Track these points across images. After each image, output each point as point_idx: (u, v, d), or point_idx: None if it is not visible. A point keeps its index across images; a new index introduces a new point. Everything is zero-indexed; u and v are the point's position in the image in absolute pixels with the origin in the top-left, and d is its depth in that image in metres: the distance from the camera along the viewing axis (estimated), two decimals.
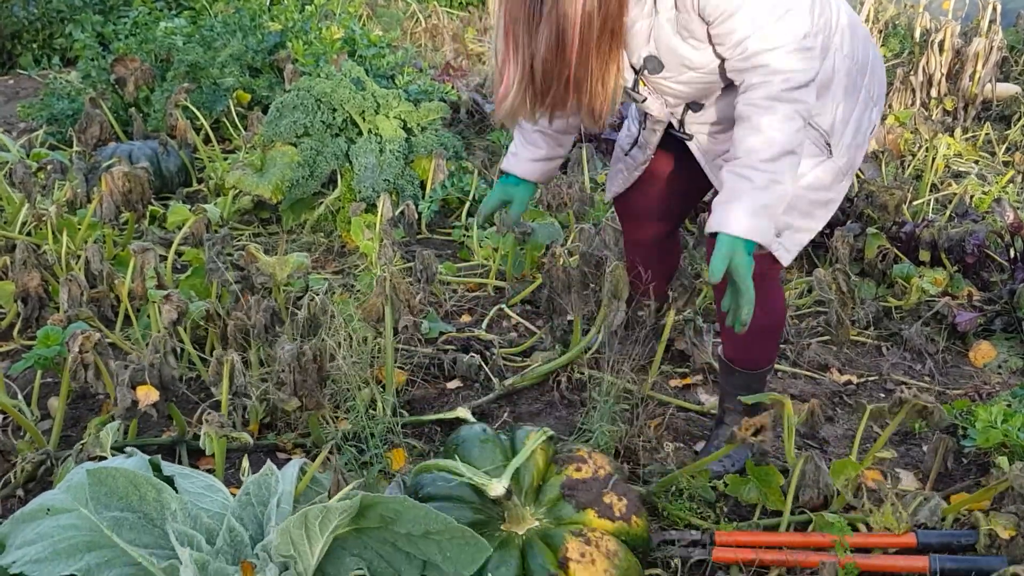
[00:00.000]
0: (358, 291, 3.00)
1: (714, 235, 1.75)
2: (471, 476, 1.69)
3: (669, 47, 1.82)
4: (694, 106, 1.97)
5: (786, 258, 1.98)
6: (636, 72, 1.90)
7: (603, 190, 3.87)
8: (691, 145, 2.05)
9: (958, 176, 4.26)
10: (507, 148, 4.20)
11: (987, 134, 4.69)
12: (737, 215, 1.72)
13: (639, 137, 2.21)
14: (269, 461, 1.78)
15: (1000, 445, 2.19)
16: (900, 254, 3.21)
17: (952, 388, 2.69)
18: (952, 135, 4.58)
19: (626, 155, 2.30)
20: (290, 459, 2.09)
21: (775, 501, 2.06)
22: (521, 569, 1.67)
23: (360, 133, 3.61)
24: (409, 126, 3.71)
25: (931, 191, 3.88)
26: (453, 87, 4.72)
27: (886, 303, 3.07)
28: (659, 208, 2.35)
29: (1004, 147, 4.58)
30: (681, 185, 2.27)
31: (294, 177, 3.44)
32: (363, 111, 3.55)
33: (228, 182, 3.57)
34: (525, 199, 2.28)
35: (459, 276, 3.26)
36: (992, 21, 5.20)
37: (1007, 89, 5.28)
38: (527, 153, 2.23)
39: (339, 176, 3.56)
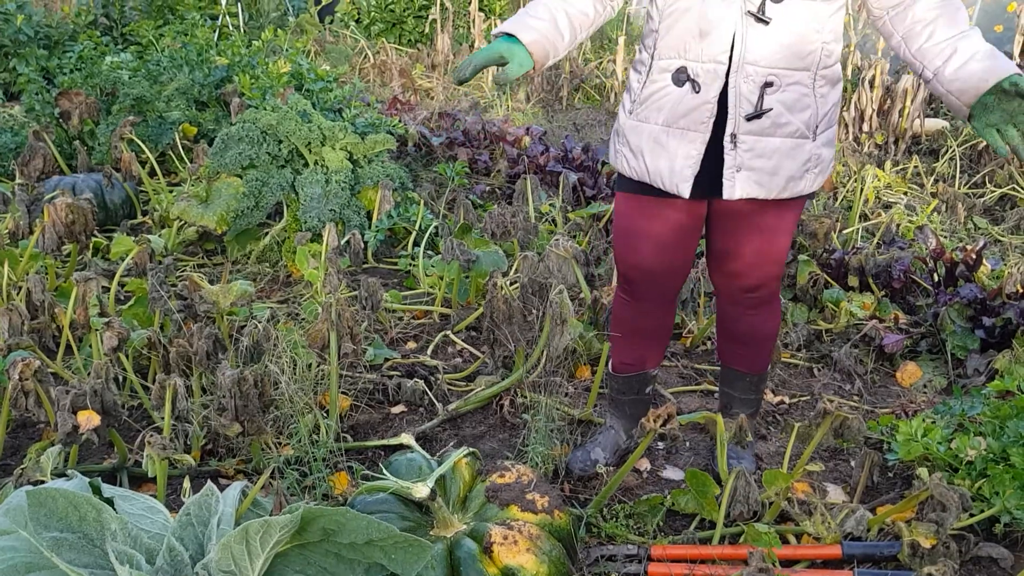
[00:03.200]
0: (303, 319, 3.03)
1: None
2: (397, 483, 1.75)
3: None
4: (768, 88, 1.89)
5: (728, 191, 1.96)
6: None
7: (548, 220, 3.96)
8: (743, 42, 1.87)
9: (888, 206, 4.43)
10: (452, 181, 4.28)
11: (915, 166, 4.88)
12: (1008, 63, 1.79)
13: (694, 72, 1.93)
14: (210, 482, 1.80)
15: (922, 457, 2.28)
16: (830, 280, 3.33)
17: (880, 407, 2.79)
18: (882, 167, 4.76)
19: (672, 122, 1.99)
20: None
21: (710, 511, 2.13)
22: (449, 565, 1.73)
23: (306, 164, 3.66)
24: (355, 158, 3.76)
25: (860, 220, 4.03)
26: (400, 121, 4.80)
27: (817, 326, 3.18)
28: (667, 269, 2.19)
29: (932, 179, 4.78)
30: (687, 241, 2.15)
31: (239, 208, 3.47)
32: (309, 143, 3.60)
33: (173, 213, 3.58)
34: (524, 64, 1.95)
35: (405, 304, 3.30)
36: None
37: (935, 124, 5.52)
38: (536, 23, 1.97)
39: (285, 207, 3.59)
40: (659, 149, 1.99)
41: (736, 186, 1.94)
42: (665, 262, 2.16)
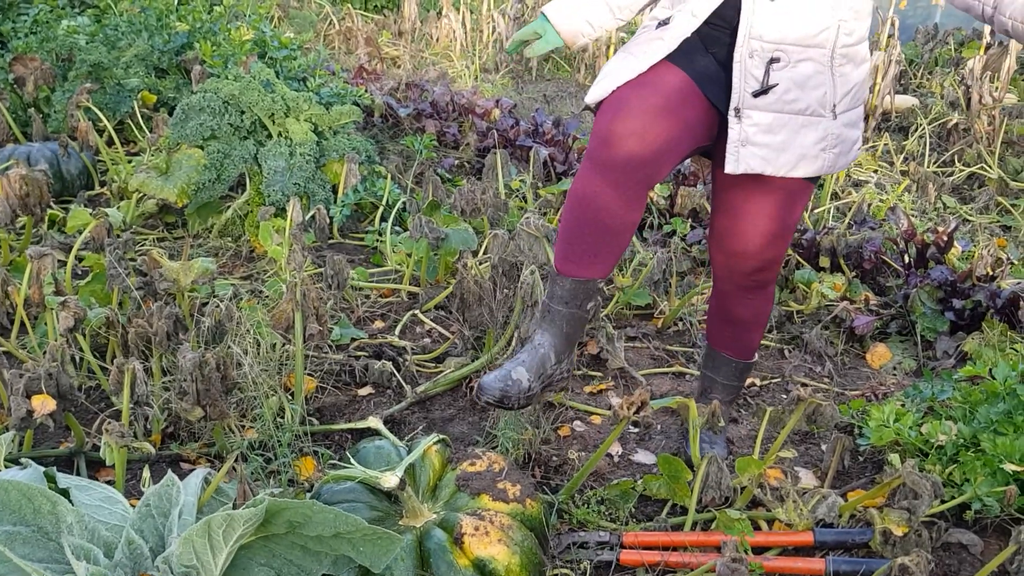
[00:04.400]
0: (267, 297, 2.95)
1: None
2: (365, 472, 1.70)
3: None
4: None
5: (730, 165, 1.92)
6: None
7: (518, 196, 3.90)
8: (752, 11, 1.85)
9: (858, 185, 4.43)
10: (420, 154, 4.20)
11: (885, 144, 4.88)
12: None
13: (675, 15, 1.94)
14: (170, 471, 1.74)
15: (893, 443, 2.28)
16: (802, 260, 3.31)
17: (850, 389, 2.79)
18: None
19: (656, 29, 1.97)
20: (194, 469, 2.04)
21: (682, 497, 2.11)
22: (419, 555, 1.69)
23: (269, 136, 3.56)
24: (320, 130, 3.66)
25: (832, 199, 4.01)
26: (367, 91, 4.69)
27: (788, 308, 3.17)
28: (660, 137, 1.90)
29: (901, 157, 4.78)
30: (691, 122, 1.95)
31: (200, 180, 3.37)
32: (272, 114, 3.50)
33: (132, 185, 3.47)
34: (553, 42, 2.02)
35: (372, 282, 3.24)
36: (891, 36, 5.41)
37: (905, 101, 5.52)
38: (581, 4, 2.01)
39: (248, 180, 3.49)
40: (632, 56, 1.95)
41: (740, 160, 1.91)
42: (660, 132, 1.87)
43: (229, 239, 3.50)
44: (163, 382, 2.37)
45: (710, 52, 1.93)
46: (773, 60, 1.86)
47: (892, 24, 5.38)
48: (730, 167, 1.92)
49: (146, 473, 1.88)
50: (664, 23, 1.93)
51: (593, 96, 1.98)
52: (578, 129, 4.72)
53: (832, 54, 1.89)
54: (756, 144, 1.91)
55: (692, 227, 3.62)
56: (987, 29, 5.08)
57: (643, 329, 3.08)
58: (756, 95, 1.87)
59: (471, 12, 7.54)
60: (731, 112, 1.90)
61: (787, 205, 2.04)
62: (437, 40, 7.37)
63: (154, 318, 2.36)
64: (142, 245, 3.43)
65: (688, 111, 1.91)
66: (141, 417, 2.25)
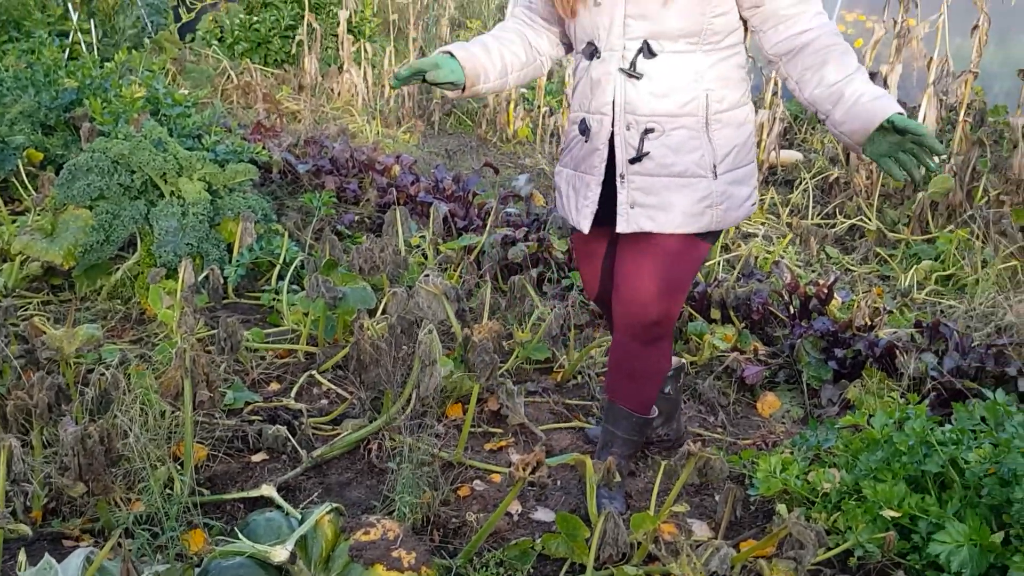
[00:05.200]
0: (157, 362, 2.87)
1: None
2: (254, 547, 1.66)
3: None
4: (647, 50, 2.03)
5: (622, 225, 2.12)
6: None
7: (419, 252, 3.91)
8: (624, 93, 2.06)
9: (747, 237, 4.60)
10: (319, 211, 4.18)
11: (772, 198, 5.09)
12: (885, 98, 1.90)
13: (590, 122, 2.16)
14: (47, 555, 1.67)
15: (782, 492, 2.34)
16: (694, 312, 3.41)
17: (742, 438, 2.86)
18: None
19: (584, 161, 2.21)
20: (77, 547, 1.96)
21: (581, 555, 2.12)
22: None
23: (162, 195, 3.49)
24: (215, 188, 3.61)
25: (722, 252, 4.15)
26: (265, 147, 4.66)
27: (682, 359, 3.24)
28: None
29: (787, 209, 4.99)
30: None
31: (88, 242, 3.27)
32: (164, 173, 3.44)
33: (15, 248, 3.34)
34: (455, 72, 2.16)
35: (267, 342, 3.18)
36: (775, 94, 5.68)
37: (790, 156, 5.78)
38: (471, 46, 2.21)
39: (139, 240, 3.41)
40: (570, 191, 2.25)
41: (630, 220, 2.11)
42: (607, 289, 2.36)
43: (118, 301, 3.40)
44: (44, 455, 2.28)
45: None
46: (648, 131, 2.06)
47: (775, 83, 5.65)
48: (621, 227, 2.12)
49: (22, 556, 1.79)
50: (587, 129, 2.17)
51: (563, 222, 2.41)
52: (478, 185, 4.77)
53: (706, 121, 2.06)
54: (642, 205, 2.09)
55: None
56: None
57: (543, 383, 3.11)
58: (632, 162, 2.08)
59: (372, 67, 7.59)
60: (618, 178, 2.10)
61: (678, 261, 2.16)
62: (338, 95, 7.38)
63: (35, 389, 2.27)
64: (25, 309, 3.30)
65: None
66: (20, 494, 2.15)
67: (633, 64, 2.04)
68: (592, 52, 2.12)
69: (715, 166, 2.08)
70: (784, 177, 5.62)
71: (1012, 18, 5.76)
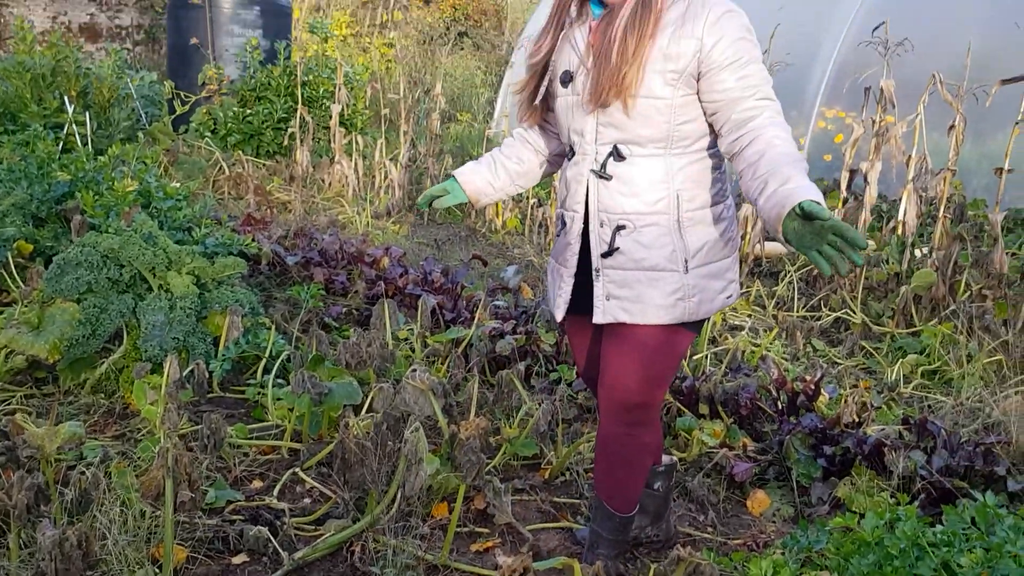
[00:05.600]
0: (138, 459, 2.83)
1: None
2: None
3: (647, 61, 2.06)
4: (617, 154, 2.14)
5: (598, 316, 2.22)
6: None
7: (407, 345, 3.91)
8: (597, 193, 2.18)
9: (734, 330, 4.62)
10: (307, 303, 4.19)
11: (758, 290, 5.13)
12: (805, 186, 1.87)
13: (567, 219, 2.29)
14: None
15: None
16: (683, 407, 3.40)
17: (733, 537, 2.82)
18: None
19: (560, 254, 2.35)
20: None
21: None
22: None
23: (150, 289, 3.49)
24: (203, 281, 3.62)
25: (710, 345, 4.17)
26: (254, 239, 4.69)
27: (671, 456, 3.22)
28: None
29: (773, 302, 5.03)
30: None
31: (74, 336, 3.26)
32: (154, 268, 3.45)
33: (0, 341, 3.32)
34: (458, 196, 2.49)
35: (251, 438, 3.15)
36: None
37: (775, 248, 5.85)
38: (474, 165, 2.50)
39: (125, 333, 3.40)
40: (551, 281, 2.40)
41: (606, 312, 2.21)
42: (594, 369, 2.45)
43: (102, 395, 3.37)
44: (20, 558, 2.22)
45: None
46: (620, 227, 2.17)
47: None
48: (597, 318, 2.23)
49: None
50: (564, 225, 2.31)
51: (552, 315, 2.54)
52: (466, 277, 4.80)
53: (677, 219, 2.14)
54: (617, 297, 2.21)
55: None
56: (844, 182, 5.49)
57: (530, 480, 3.07)
58: (604, 256, 2.19)
59: (364, 158, 7.71)
60: (593, 272, 2.22)
61: (657, 351, 2.23)
62: (329, 185, 7.48)
63: (14, 490, 2.23)
64: (8, 403, 3.26)
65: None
66: None
67: (604, 166, 2.16)
68: (571, 153, 2.26)
69: (686, 261, 2.16)
70: (769, 269, 5.68)
71: (988, 116, 5.91)
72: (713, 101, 2.07)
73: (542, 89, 2.26)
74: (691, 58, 2.04)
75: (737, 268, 2.32)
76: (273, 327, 3.70)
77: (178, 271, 3.50)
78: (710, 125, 2.14)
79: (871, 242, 5.67)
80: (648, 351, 2.21)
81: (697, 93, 2.09)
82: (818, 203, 1.81)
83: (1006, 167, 4.57)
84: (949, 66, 5.30)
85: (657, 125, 2.09)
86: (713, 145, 2.18)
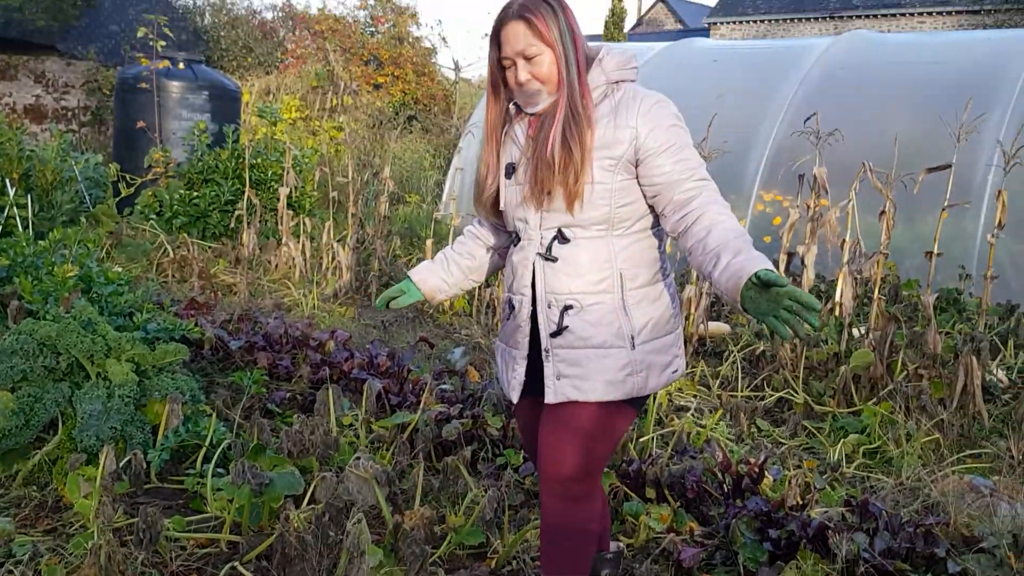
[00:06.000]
0: (71, 555, 2.73)
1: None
2: None
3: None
4: (561, 237, 2.21)
5: (549, 395, 2.25)
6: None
7: (351, 431, 3.86)
8: (543, 275, 2.24)
9: (680, 410, 4.65)
10: (250, 389, 4.13)
11: (702, 370, 5.19)
12: (757, 257, 1.98)
13: (515, 302, 2.34)
14: None
15: None
16: (629, 491, 3.39)
17: None
18: None
19: (511, 336, 2.38)
20: None
21: None
22: None
23: (88, 377, 3.42)
24: (143, 368, 3.56)
25: (656, 426, 4.19)
26: (197, 324, 4.63)
27: (619, 542, 3.20)
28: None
29: (718, 382, 5.08)
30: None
31: (7, 426, 3.17)
32: (92, 355, 3.38)
33: None
34: (414, 296, 2.55)
35: (189, 530, 3.06)
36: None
37: (719, 328, 5.94)
38: (428, 264, 2.57)
39: (60, 422, 3.31)
40: (503, 364, 2.43)
41: (556, 391, 2.25)
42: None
43: (34, 488, 3.25)
44: None
45: None
46: (567, 307, 2.22)
47: None
48: (549, 398, 2.26)
49: None
50: (513, 308, 2.36)
51: (507, 397, 2.47)
52: (413, 360, 4.79)
53: (622, 297, 2.21)
54: (567, 376, 2.24)
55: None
56: (783, 265, 5.63)
57: (476, 571, 3.02)
58: (553, 336, 2.24)
59: (311, 240, 7.71)
60: (543, 352, 2.26)
61: (597, 426, 2.26)
62: (276, 267, 7.45)
63: None
64: None
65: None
66: None
67: (549, 249, 2.23)
68: (517, 239, 2.34)
69: (632, 337, 2.22)
70: (713, 348, 5.75)
71: (919, 199, 6.15)
72: (653, 184, 2.17)
73: (502, 191, 2.33)
74: (627, 145, 2.15)
75: (682, 343, 2.39)
76: (214, 414, 3.63)
77: (117, 358, 3.44)
78: (650, 207, 2.23)
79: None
80: (589, 427, 2.24)
81: (636, 178, 2.19)
82: (773, 271, 1.91)
83: (935, 251, 4.74)
84: (878, 153, 5.53)
85: (598, 208, 2.17)
86: (654, 225, 2.28)
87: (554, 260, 2.23)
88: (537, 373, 2.30)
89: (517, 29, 2.15)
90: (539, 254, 2.25)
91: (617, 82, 2.22)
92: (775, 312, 1.89)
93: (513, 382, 2.37)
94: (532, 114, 2.24)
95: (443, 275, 2.56)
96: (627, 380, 2.22)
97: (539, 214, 2.23)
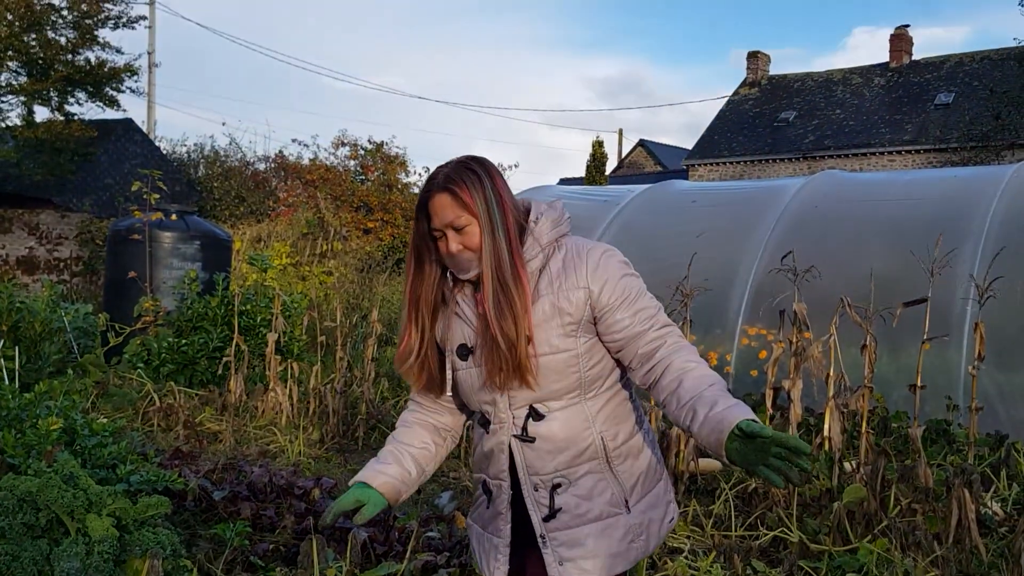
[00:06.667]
0: None
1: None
2: None
3: (539, 323, 2.04)
4: (535, 414, 2.09)
5: None
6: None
7: None
8: (523, 456, 2.11)
9: (673, 552, 4.56)
10: (232, 541, 4.05)
11: (695, 509, 5.12)
12: (734, 407, 1.90)
13: (491, 486, 2.20)
14: None
15: None
16: None
17: None
18: None
19: (491, 523, 2.22)
20: None
21: None
22: None
23: (67, 533, 3.35)
24: (124, 523, 3.49)
25: (649, 570, 4.09)
26: (180, 474, 4.58)
27: None
28: None
29: (711, 521, 5.00)
30: None
31: None
32: (72, 510, 3.33)
33: None
34: (379, 504, 2.19)
35: None
36: None
37: (710, 464, 5.88)
38: (384, 467, 2.23)
39: None
40: (482, 551, 2.25)
41: None
42: None
43: None
44: None
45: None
46: (556, 486, 2.10)
47: None
48: None
49: None
50: (490, 493, 2.21)
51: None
52: (399, 507, 4.71)
53: (607, 460, 2.11)
54: (570, 559, 2.10)
55: None
56: (769, 399, 5.64)
57: None
58: (546, 520, 2.11)
59: (299, 384, 7.70)
60: (539, 540, 2.12)
61: None
62: (263, 413, 7.40)
63: None
64: None
65: None
66: None
67: (524, 430, 2.10)
68: (485, 423, 2.19)
69: (626, 500, 2.13)
70: (704, 486, 5.68)
71: (901, 330, 6.23)
72: (615, 340, 2.09)
73: (448, 371, 2.18)
74: (583, 305, 2.06)
75: (671, 486, 2.30)
76: (195, 569, 3.54)
77: (98, 513, 3.38)
78: (616, 360, 2.16)
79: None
80: None
81: (597, 336, 2.10)
82: (755, 421, 1.84)
83: (919, 383, 4.78)
84: (855, 287, 5.64)
85: (569, 377, 2.08)
86: (623, 376, 2.20)
87: (532, 440, 2.10)
88: (517, 546, 2.18)
89: (443, 201, 2.04)
90: (515, 436, 2.12)
91: (556, 240, 2.12)
92: (764, 461, 1.81)
93: (497, 572, 2.19)
94: (466, 280, 2.12)
95: (401, 473, 2.25)
96: (631, 548, 2.13)
97: (506, 395, 2.10)
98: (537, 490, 2.11)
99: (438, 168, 2.10)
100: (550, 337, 2.05)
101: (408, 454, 2.27)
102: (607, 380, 2.15)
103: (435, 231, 2.08)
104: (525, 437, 2.10)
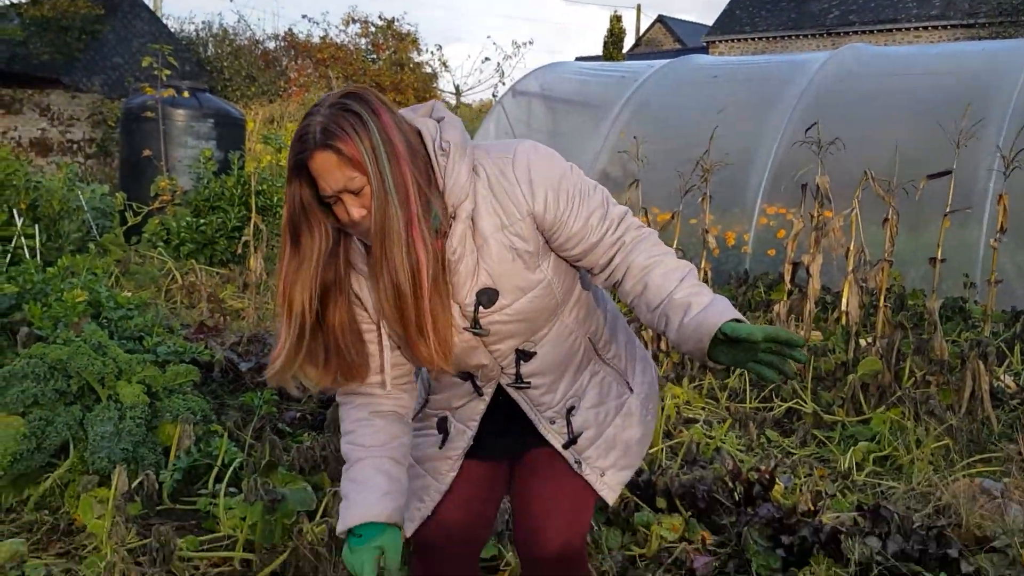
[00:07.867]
0: (84, 574, 2.74)
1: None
2: None
3: (501, 272, 1.78)
4: (524, 355, 1.90)
5: (611, 497, 2.05)
6: (474, 315, 1.80)
7: None
8: (525, 397, 1.96)
9: (688, 422, 4.65)
10: (260, 409, 4.15)
11: (710, 383, 5.20)
12: (722, 309, 1.70)
13: (450, 426, 2.02)
14: None
15: None
16: (640, 502, 3.39)
17: None
18: (680, 384, 5.03)
19: (429, 461, 2.04)
20: None
21: None
22: None
23: (98, 400, 3.44)
24: (155, 390, 3.58)
25: (664, 439, 4.19)
26: (207, 346, 4.66)
27: (630, 551, 3.20)
28: (468, 530, 2.10)
29: (726, 394, 5.08)
30: (490, 492, 2.13)
31: (18, 451, 3.19)
32: (103, 377, 3.41)
33: None
34: (397, 542, 1.83)
35: (202, 550, 3.07)
36: (705, 281, 5.91)
37: None
38: (372, 496, 1.81)
39: (72, 446, 3.33)
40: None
41: (613, 489, 2.05)
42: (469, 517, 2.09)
43: (46, 511, 3.27)
44: None
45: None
46: (569, 409, 1.99)
47: (706, 272, 5.91)
48: (612, 501, 2.06)
49: None
50: (446, 432, 2.00)
51: (407, 532, 2.01)
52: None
53: (598, 355, 2.03)
54: (610, 467, 2.04)
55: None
56: (788, 275, 5.64)
57: None
58: (568, 446, 1.99)
59: None
60: (575, 467, 2.01)
61: (583, 498, 2.08)
62: None
63: None
64: None
65: (496, 491, 2.13)
66: None
67: (518, 377, 1.93)
68: (476, 390, 1.97)
69: (628, 382, 2.08)
70: None
71: (922, 208, 6.17)
72: (572, 255, 1.86)
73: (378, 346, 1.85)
74: (534, 233, 1.80)
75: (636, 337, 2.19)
76: (226, 435, 3.65)
77: (128, 380, 3.46)
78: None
79: (817, 332, 5.81)
80: (575, 501, 2.06)
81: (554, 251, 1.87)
82: (738, 321, 1.67)
83: (939, 257, 4.76)
84: (879, 163, 5.55)
85: (547, 305, 1.87)
86: (576, 273, 1.98)
87: (528, 385, 1.94)
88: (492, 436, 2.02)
89: (327, 161, 1.64)
90: (511, 386, 1.94)
91: (472, 167, 1.76)
92: (754, 358, 1.66)
93: (417, 515, 2.01)
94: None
95: (398, 489, 1.86)
96: (648, 423, 2.10)
97: (487, 353, 1.87)
98: (554, 423, 1.98)
99: (309, 116, 1.66)
100: (517, 282, 1.80)
101: (388, 460, 1.86)
102: (575, 283, 1.96)
103: (325, 197, 1.69)
104: (522, 384, 1.93)
